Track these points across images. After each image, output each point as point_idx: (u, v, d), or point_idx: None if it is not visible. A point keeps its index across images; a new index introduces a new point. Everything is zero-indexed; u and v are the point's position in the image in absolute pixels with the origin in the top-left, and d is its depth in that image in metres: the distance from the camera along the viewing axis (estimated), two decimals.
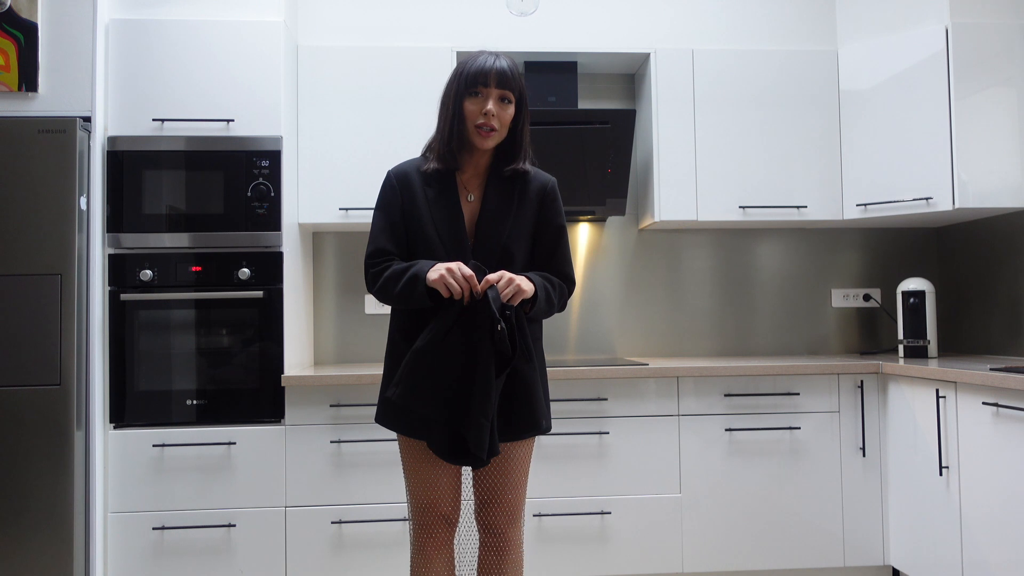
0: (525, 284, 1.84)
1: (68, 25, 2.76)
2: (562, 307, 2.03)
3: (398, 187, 1.98)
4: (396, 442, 2.76)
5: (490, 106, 1.89)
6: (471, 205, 1.98)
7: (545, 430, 1.96)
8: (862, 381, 2.98)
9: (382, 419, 1.97)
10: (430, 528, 1.95)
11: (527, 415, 1.91)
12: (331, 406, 2.83)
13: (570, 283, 2.05)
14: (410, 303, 1.88)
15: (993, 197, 3.02)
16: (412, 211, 1.95)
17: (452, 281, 1.79)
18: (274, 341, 2.84)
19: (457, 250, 1.91)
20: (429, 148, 2.01)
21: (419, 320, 1.90)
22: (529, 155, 2.00)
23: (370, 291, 1.97)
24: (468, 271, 1.81)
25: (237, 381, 2.82)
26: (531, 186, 2.00)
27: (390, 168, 2.04)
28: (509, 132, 1.96)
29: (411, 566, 1.98)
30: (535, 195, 2.00)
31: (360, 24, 3.23)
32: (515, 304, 1.84)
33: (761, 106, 3.28)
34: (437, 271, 1.81)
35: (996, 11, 3.05)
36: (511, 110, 1.93)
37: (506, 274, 1.83)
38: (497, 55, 1.93)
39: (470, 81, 1.90)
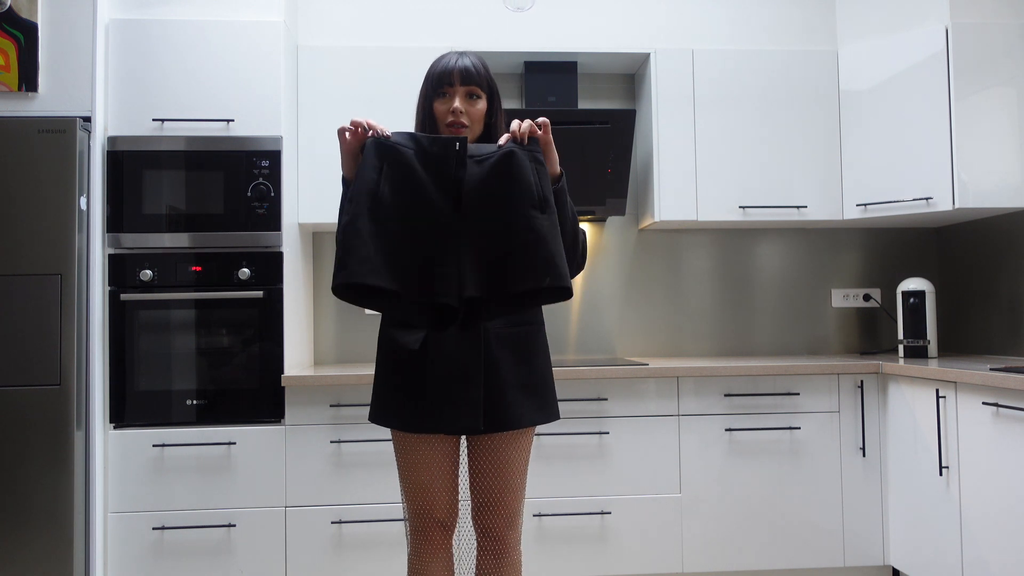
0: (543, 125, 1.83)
1: (68, 25, 2.76)
2: (583, 248, 1.97)
3: None
4: None
5: (456, 104, 1.90)
6: None
7: (549, 284, 1.78)
8: (862, 381, 2.98)
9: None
10: (426, 532, 1.93)
11: (529, 265, 1.77)
12: (331, 406, 2.83)
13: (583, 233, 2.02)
14: (346, 213, 1.83)
15: (993, 197, 3.02)
16: None
17: (347, 125, 1.83)
18: (274, 341, 2.84)
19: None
20: None
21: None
22: None
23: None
24: (371, 123, 1.83)
25: (237, 381, 2.82)
26: None
27: None
28: (485, 127, 1.96)
29: (408, 570, 1.96)
30: None
31: (360, 24, 3.23)
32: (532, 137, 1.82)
33: (761, 106, 3.28)
34: (341, 144, 1.86)
35: (996, 11, 3.05)
36: (481, 104, 1.94)
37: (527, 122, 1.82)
38: (462, 54, 1.95)
39: (436, 83, 1.93)
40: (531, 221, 1.77)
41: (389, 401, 1.92)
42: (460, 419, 1.84)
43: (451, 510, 1.95)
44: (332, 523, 2.81)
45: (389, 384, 1.93)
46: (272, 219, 2.86)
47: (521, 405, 1.89)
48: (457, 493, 1.97)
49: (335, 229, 3.33)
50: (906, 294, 3.25)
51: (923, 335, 3.21)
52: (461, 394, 1.84)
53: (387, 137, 1.83)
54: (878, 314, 3.64)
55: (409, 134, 1.85)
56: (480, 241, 1.79)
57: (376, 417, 1.94)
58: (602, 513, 2.89)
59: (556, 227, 1.80)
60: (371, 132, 1.83)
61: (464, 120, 1.91)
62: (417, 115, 1.99)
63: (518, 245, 1.77)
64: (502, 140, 1.83)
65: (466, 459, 1.99)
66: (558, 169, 1.90)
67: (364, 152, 1.84)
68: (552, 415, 1.97)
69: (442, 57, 1.95)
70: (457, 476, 1.97)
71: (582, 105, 3.54)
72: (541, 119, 1.84)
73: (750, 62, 3.28)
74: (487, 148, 1.85)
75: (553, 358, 3.43)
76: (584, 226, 3.56)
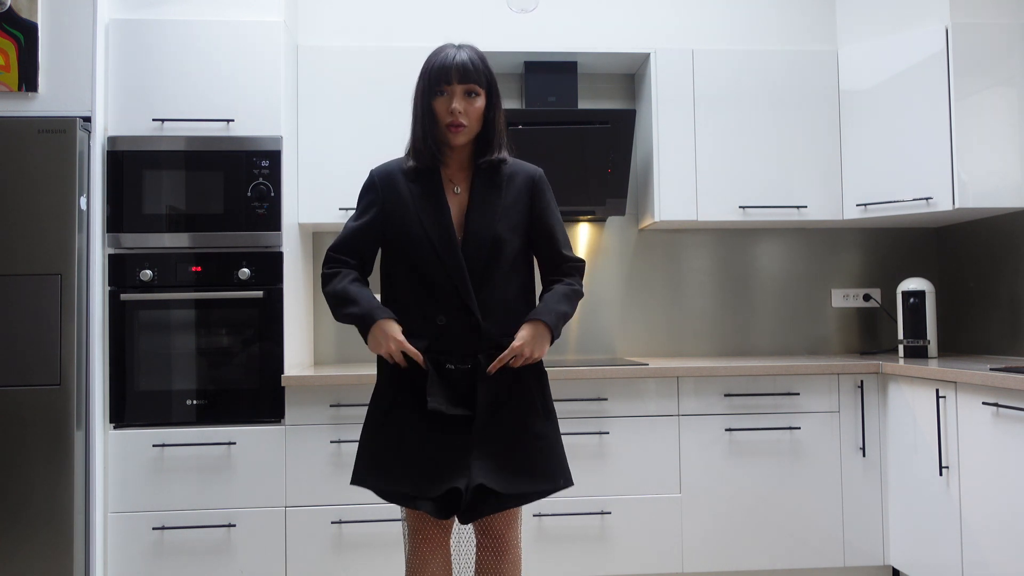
0: (536, 347, 1.89)
1: (68, 25, 2.76)
2: (581, 295, 2.01)
3: (379, 186, 1.96)
4: None
5: (455, 104, 1.87)
6: (458, 197, 1.95)
7: (563, 485, 1.93)
8: (862, 381, 2.98)
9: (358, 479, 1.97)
10: (424, 532, 1.93)
11: (541, 470, 1.91)
12: (331, 406, 2.83)
13: (578, 262, 2.03)
14: (364, 426, 1.95)
15: (993, 197, 3.02)
16: (396, 209, 1.92)
17: (392, 352, 1.87)
18: (274, 341, 2.84)
19: (445, 245, 1.89)
20: (408, 149, 2.00)
21: (406, 316, 1.92)
22: (504, 143, 1.97)
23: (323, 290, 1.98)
24: (412, 350, 1.86)
25: (237, 381, 2.82)
26: (518, 177, 1.98)
27: (373, 168, 2.02)
28: (484, 122, 1.94)
29: (406, 569, 1.96)
30: (524, 187, 1.97)
31: (360, 24, 3.23)
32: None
33: (761, 106, 3.28)
34: (376, 340, 1.87)
35: (996, 11, 3.05)
36: (480, 102, 1.90)
37: (514, 348, 1.88)
38: (459, 48, 1.91)
39: (434, 80, 1.89)
40: (537, 430, 1.92)
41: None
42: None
43: None
44: (332, 523, 2.81)
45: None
46: (272, 219, 2.86)
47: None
48: None
49: (335, 230, 3.35)
50: (906, 294, 3.25)
51: (923, 335, 3.21)
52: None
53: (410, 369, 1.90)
54: (878, 314, 3.64)
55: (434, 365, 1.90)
56: (491, 451, 1.87)
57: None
58: (602, 513, 2.89)
59: (558, 432, 1.97)
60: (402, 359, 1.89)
61: (463, 120, 1.88)
62: (414, 111, 1.94)
63: (531, 452, 1.90)
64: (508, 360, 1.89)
65: None
66: (549, 334, 1.92)
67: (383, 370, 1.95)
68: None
69: (439, 51, 1.92)
70: None
71: (582, 105, 3.54)
72: (512, 352, 1.88)
73: (750, 62, 3.28)
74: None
75: (553, 358, 3.43)
76: (584, 226, 3.57)
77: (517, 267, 1.96)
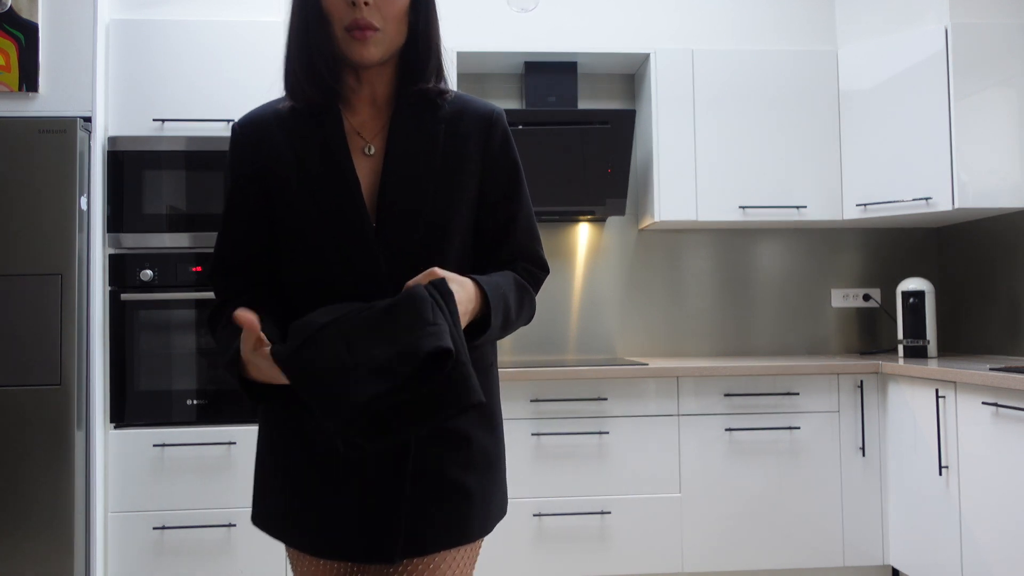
0: (461, 294, 1.15)
1: (68, 25, 2.76)
2: (532, 311, 1.33)
3: (250, 147, 1.31)
4: None
5: None
6: (371, 160, 1.26)
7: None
8: (862, 381, 2.98)
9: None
10: None
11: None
12: None
13: (540, 265, 1.36)
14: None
15: (993, 197, 3.02)
16: (276, 183, 1.26)
17: (259, 373, 1.21)
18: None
19: (352, 237, 1.22)
20: (285, 85, 1.30)
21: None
22: (444, 69, 1.29)
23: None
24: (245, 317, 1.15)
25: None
26: (463, 120, 1.29)
27: (235, 121, 1.37)
28: (410, 33, 1.24)
29: None
30: (473, 133, 1.28)
31: None
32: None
33: (761, 106, 3.28)
34: (258, 371, 1.21)
35: (996, 11, 3.05)
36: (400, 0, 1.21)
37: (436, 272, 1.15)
38: None
39: None
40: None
41: (274, 503, 1.30)
42: (367, 542, 1.23)
43: None
44: None
45: (272, 479, 1.31)
46: None
47: (456, 512, 1.25)
48: None
49: None
50: (906, 294, 3.25)
51: (923, 335, 3.21)
52: (371, 505, 1.23)
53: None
54: (878, 314, 3.64)
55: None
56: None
57: (259, 519, 1.32)
58: (602, 513, 2.89)
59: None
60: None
61: (374, 20, 1.19)
62: (293, 21, 1.27)
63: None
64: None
65: None
66: (478, 308, 1.21)
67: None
68: (496, 516, 1.31)
69: None
70: None
71: (582, 105, 3.54)
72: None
73: (750, 62, 3.28)
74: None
75: (553, 358, 3.43)
76: (584, 226, 3.57)
77: (464, 262, 1.30)
